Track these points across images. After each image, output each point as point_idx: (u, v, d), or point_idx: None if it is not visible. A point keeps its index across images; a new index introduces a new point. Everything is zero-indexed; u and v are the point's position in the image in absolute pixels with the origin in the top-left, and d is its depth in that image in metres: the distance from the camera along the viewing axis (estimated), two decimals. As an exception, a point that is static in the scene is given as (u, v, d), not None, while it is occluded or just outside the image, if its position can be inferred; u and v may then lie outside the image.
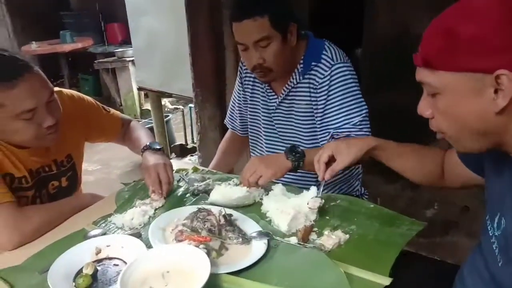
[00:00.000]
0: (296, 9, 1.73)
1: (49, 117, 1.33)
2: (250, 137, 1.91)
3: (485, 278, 0.95)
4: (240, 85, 1.86)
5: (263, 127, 1.80)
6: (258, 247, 1.16)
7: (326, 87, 1.56)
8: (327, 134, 1.58)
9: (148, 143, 1.61)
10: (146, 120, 4.56)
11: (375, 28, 3.11)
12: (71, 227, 1.35)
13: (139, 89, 4.29)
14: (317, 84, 1.58)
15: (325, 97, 1.57)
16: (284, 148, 1.66)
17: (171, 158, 4.15)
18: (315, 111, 1.62)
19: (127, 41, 5.06)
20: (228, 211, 1.28)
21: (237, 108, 1.92)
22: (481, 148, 0.87)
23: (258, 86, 1.77)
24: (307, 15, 3.17)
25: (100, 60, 5.56)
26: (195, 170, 1.73)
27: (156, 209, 1.41)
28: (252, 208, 1.39)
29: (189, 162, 4.07)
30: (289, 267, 1.10)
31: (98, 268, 1.12)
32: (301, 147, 1.45)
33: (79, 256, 1.15)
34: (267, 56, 1.51)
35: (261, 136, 1.83)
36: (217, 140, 2.65)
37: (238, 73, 1.87)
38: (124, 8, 3.71)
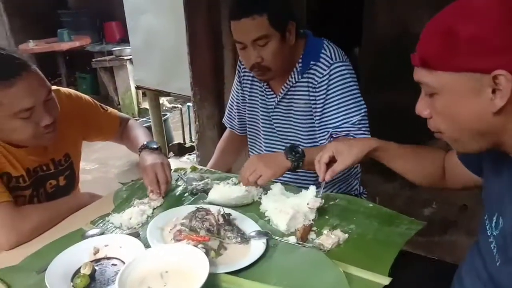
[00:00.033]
0: (294, 7, 1.72)
1: (47, 116, 1.33)
2: (248, 136, 1.90)
3: (483, 278, 0.95)
4: (238, 84, 1.86)
5: (262, 126, 1.79)
6: (257, 247, 1.15)
7: (325, 86, 1.56)
8: (326, 133, 1.58)
9: (145, 143, 1.60)
10: (144, 119, 4.55)
11: (375, 27, 3.11)
12: (69, 226, 1.35)
13: (137, 87, 4.28)
14: (316, 83, 1.58)
15: (324, 96, 1.56)
16: (283, 148, 1.65)
17: (169, 157, 4.15)
18: (313, 110, 1.61)
19: (125, 40, 5.05)
20: (227, 210, 1.28)
21: (235, 107, 1.92)
22: (479, 148, 0.87)
23: (257, 85, 1.76)
24: (305, 14, 3.16)
25: (98, 59, 5.54)
26: (194, 169, 1.73)
27: (154, 209, 1.41)
28: (250, 207, 1.39)
29: (187, 161, 4.07)
30: (288, 267, 1.10)
31: (96, 268, 1.12)
32: (301, 147, 1.44)
33: (77, 255, 1.14)
34: (266, 55, 1.51)
35: (259, 135, 1.83)
36: (215, 139, 2.65)
37: (237, 72, 1.86)
38: (122, 7, 3.70)
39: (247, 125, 1.88)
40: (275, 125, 1.74)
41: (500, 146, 0.84)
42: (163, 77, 3.53)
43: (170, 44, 3.27)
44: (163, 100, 5.26)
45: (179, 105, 5.30)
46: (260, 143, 1.83)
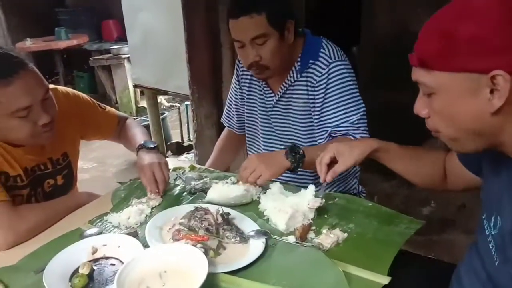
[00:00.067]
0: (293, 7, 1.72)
1: (45, 114, 1.32)
2: (247, 135, 1.90)
3: (482, 278, 0.95)
4: (237, 83, 1.85)
5: (260, 125, 1.79)
6: (256, 246, 1.15)
7: (324, 85, 1.55)
8: (324, 132, 1.58)
9: (142, 142, 1.59)
10: (142, 117, 4.54)
11: (374, 26, 3.10)
12: (67, 226, 1.34)
13: (135, 86, 4.26)
14: (314, 82, 1.57)
15: (322, 95, 1.56)
16: (281, 147, 1.65)
17: (167, 156, 4.14)
18: (312, 109, 1.61)
19: (122, 38, 5.03)
20: (226, 209, 1.27)
21: (234, 106, 1.91)
22: (476, 149, 0.87)
23: (255, 84, 1.76)
24: (303, 12, 3.15)
25: (96, 57, 5.52)
26: (192, 168, 1.72)
27: (152, 208, 1.40)
28: (249, 206, 1.39)
29: (185, 160, 4.06)
30: (288, 266, 1.10)
31: (95, 267, 1.11)
32: (301, 148, 1.43)
33: (75, 255, 1.14)
34: (264, 54, 1.50)
35: (258, 134, 1.82)
36: (213, 138, 2.64)
37: (235, 70, 1.86)
38: (119, 5, 3.69)
39: (246, 124, 1.87)
40: (273, 124, 1.74)
41: (498, 146, 0.84)
42: (161, 75, 3.52)
43: (168, 43, 3.26)
44: (161, 98, 5.25)
45: (177, 104, 5.29)
46: (259, 142, 1.83)
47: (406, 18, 2.81)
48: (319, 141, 1.61)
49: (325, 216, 1.30)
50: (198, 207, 1.26)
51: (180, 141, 4.40)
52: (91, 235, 1.24)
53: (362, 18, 3.20)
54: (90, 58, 5.54)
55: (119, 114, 1.81)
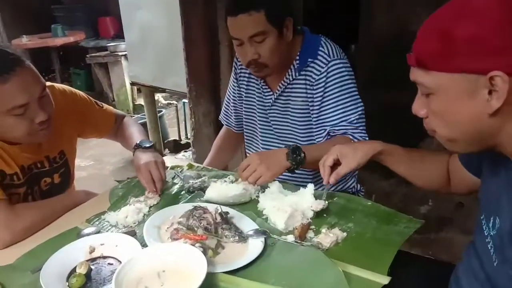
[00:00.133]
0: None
1: (41, 112, 1.31)
2: (245, 133, 1.89)
3: (480, 278, 0.95)
4: (235, 81, 1.84)
5: (259, 124, 1.78)
6: (255, 246, 1.14)
7: (323, 83, 1.55)
8: (323, 131, 1.57)
9: (138, 142, 1.59)
10: (139, 115, 4.53)
11: (372, 25, 3.09)
12: (64, 225, 1.33)
13: (132, 84, 4.25)
14: (313, 80, 1.56)
15: (321, 94, 1.55)
16: (280, 145, 1.64)
17: (165, 154, 4.13)
18: (311, 108, 1.60)
19: (119, 35, 5.01)
20: (224, 208, 1.27)
21: (232, 104, 1.90)
22: (474, 150, 0.87)
23: (254, 82, 1.75)
24: (301, 10, 3.14)
25: (92, 55, 5.50)
26: (190, 167, 1.72)
27: (150, 207, 1.40)
28: (248, 205, 1.38)
29: (182, 158, 4.06)
30: (287, 266, 1.09)
31: (92, 267, 1.11)
32: (303, 150, 1.41)
33: (72, 255, 1.13)
34: (263, 52, 1.49)
35: (256, 132, 1.81)
36: (211, 137, 2.63)
37: (233, 68, 1.85)
38: (116, 2, 3.67)
39: (244, 123, 1.87)
40: (272, 122, 1.73)
41: (496, 147, 0.84)
42: (158, 73, 3.51)
43: (166, 40, 3.25)
44: (158, 96, 5.23)
45: (174, 102, 5.27)
46: (257, 140, 1.82)
47: (405, 17, 2.80)
48: (317, 139, 1.60)
49: (324, 215, 1.30)
50: (197, 206, 1.26)
51: (177, 139, 4.39)
52: (88, 234, 1.23)
53: (360, 18, 3.19)
54: (87, 55, 5.52)
55: (117, 112, 1.80)
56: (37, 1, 5.89)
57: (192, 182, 1.50)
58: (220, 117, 2.03)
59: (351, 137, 1.52)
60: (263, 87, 1.70)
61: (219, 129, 2.09)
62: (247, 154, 1.91)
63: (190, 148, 3.56)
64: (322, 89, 1.55)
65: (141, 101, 4.71)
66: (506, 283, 0.86)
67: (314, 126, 1.61)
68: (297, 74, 1.60)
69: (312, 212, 1.27)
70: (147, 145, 1.57)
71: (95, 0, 5.79)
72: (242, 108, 1.84)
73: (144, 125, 3.81)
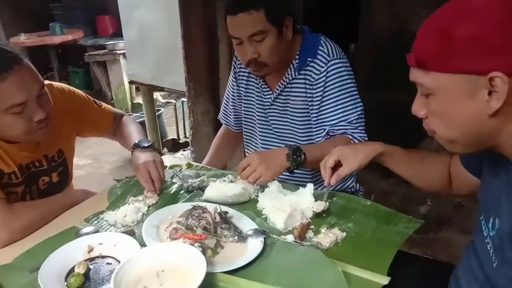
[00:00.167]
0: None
1: (40, 111, 1.30)
2: (244, 133, 1.88)
3: (480, 279, 0.95)
4: (234, 80, 1.84)
5: (258, 123, 1.77)
6: (255, 245, 1.14)
7: (322, 83, 1.54)
8: (322, 131, 1.57)
9: (137, 141, 1.58)
10: (137, 114, 4.51)
11: (372, 25, 3.09)
12: (62, 224, 1.32)
13: (131, 82, 4.24)
14: (313, 80, 1.56)
15: (321, 93, 1.55)
16: (279, 145, 1.64)
17: (163, 153, 4.12)
18: (310, 107, 1.60)
19: (118, 34, 5.01)
20: (224, 208, 1.26)
21: (231, 104, 1.89)
22: (473, 150, 0.86)
23: (253, 82, 1.75)
24: (301, 9, 3.14)
25: (91, 53, 5.49)
26: (189, 166, 1.71)
27: (149, 206, 1.39)
28: (247, 205, 1.38)
29: (181, 157, 4.05)
30: (286, 266, 1.09)
31: (91, 266, 1.10)
32: (304, 151, 1.41)
33: (71, 254, 1.13)
34: (262, 51, 1.49)
35: (255, 132, 1.81)
36: (210, 136, 2.63)
37: (232, 67, 1.84)
38: (115, 0, 3.66)
39: (243, 122, 1.86)
40: (271, 122, 1.72)
41: (495, 148, 0.84)
42: (157, 71, 3.50)
43: (164, 39, 3.24)
44: (156, 95, 5.23)
45: (173, 100, 5.26)
46: (256, 140, 1.82)
47: (405, 16, 2.80)
48: (316, 139, 1.60)
49: (324, 215, 1.29)
50: (196, 205, 1.25)
51: (176, 137, 4.38)
52: (87, 234, 1.22)
53: (360, 17, 3.19)
54: (85, 54, 5.50)
55: (115, 111, 1.79)
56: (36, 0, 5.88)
57: (191, 182, 1.49)
58: (219, 116, 2.02)
59: (350, 137, 1.51)
60: (263, 86, 1.70)
61: (218, 128, 2.09)
62: (246, 154, 1.90)
63: (188, 147, 3.55)
64: (321, 88, 1.55)
65: (139, 99, 4.70)
66: (505, 284, 0.86)
67: (314, 126, 1.61)
68: (296, 73, 1.59)
69: (312, 212, 1.27)
70: (146, 145, 1.56)
71: (93, -2, 5.78)
72: (241, 107, 1.84)
73: (142, 124, 3.80)
